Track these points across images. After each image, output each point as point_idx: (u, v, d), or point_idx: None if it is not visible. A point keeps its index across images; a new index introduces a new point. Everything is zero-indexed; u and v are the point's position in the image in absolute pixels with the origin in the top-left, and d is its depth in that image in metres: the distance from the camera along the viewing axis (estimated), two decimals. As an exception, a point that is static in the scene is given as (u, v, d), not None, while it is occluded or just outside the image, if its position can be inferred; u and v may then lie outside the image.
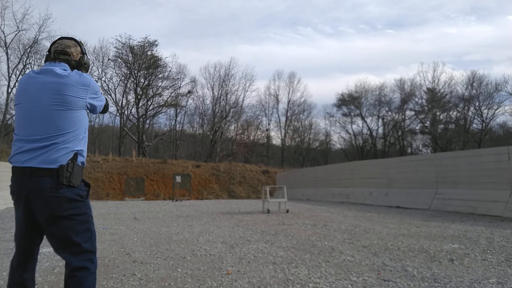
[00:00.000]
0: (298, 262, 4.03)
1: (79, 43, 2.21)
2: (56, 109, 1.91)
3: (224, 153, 40.79)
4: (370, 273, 3.51)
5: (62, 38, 2.19)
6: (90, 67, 2.31)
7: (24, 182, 1.89)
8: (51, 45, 2.16)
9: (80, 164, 1.97)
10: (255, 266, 3.87)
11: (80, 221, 1.94)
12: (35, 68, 31.79)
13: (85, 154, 2.04)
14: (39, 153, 1.88)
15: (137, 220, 8.77)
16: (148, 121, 40.44)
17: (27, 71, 31.56)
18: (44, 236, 2.00)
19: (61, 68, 2.03)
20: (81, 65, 2.17)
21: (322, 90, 70.40)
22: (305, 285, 3.16)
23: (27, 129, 1.93)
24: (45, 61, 2.14)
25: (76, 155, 1.95)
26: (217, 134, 41.03)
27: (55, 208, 1.87)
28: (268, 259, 4.18)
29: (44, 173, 1.86)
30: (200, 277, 3.44)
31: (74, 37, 2.23)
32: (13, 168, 1.94)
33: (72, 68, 2.11)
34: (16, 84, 31.30)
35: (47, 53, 2.16)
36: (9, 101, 30.86)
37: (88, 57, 2.30)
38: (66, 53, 2.11)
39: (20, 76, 31.59)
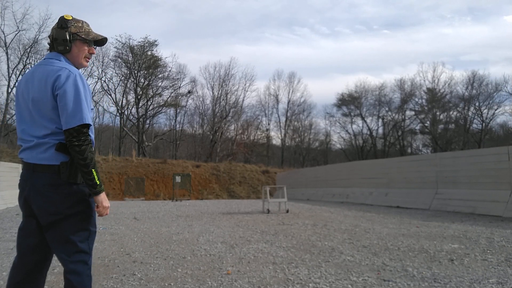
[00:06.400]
0: (298, 262, 4.03)
1: (59, 20, 1.99)
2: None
3: (224, 153, 40.77)
4: (370, 273, 3.51)
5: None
6: (67, 40, 1.95)
7: (28, 178, 1.88)
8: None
9: None
10: (255, 266, 3.87)
11: (79, 219, 1.89)
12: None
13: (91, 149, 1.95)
14: (42, 149, 1.86)
15: (137, 220, 8.77)
16: (148, 121, 40.45)
17: (27, 71, 31.67)
18: None
19: (56, 59, 1.95)
20: (54, 40, 1.97)
21: (321, 90, 70.48)
22: (305, 285, 3.16)
23: (31, 125, 1.91)
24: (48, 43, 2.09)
25: None
26: (217, 134, 41.01)
27: (55, 205, 1.84)
28: (268, 259, 4.18)
29: (45, 169, 1.84)
30: (200, 277, 3.44)
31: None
32: (22, 162, 1.94)
33: (50, 49, 1.99)
34: (16, 84, 31.30)
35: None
36: (9, 101, 30.85)
37: (67, 30, 1.96)
38: (49, 38, 2.00)
39: (20, 76, 31.61)
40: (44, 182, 1.84)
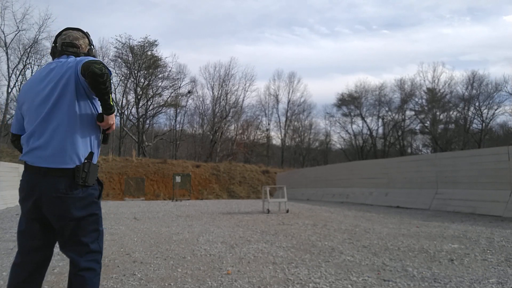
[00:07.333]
0: (298, 262, 4.03)
1: (86, 34, 2.10)
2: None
3: (224, 153, 40.77)
4: (370, 273, 3.51)
5: (68, 28, 2.08)
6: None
7: (38, 182, 1.84)
8: (57, 36, 2.07)
9: (95, 163, 1.93)
10: (255, 266, 3.87)
11: (90, 221, 1.91)
12: (35, 68, 31.81)
13: (98, 152, 1.99)
14: (54, 152, 1.83)
15: (137, 220, 8.77)
16: (148, 121, 40.48)
17: (27, 71, 31.65)
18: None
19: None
20: (93, 61, 2.05)
21: (321, 90, 70.51)
22: (305, 285, 3.16)
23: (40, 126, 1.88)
24: (51, 53, 2.06)
25: (91, 154, 1.91)
26: (217, 134, 41.02)
27: (68, 208, 1.83)
28: (268, 259, 4.18)
29: (59, 173, 1.82)
30: (200, 277, 3.44)
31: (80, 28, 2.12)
32: (26, 165, 1.88)
33: (62, 53, 2.02)
34: (16, 84, 31.30)
35: (53, 44, 2.07)
36: (9, 101, 30.85)
37: (96, 49, 2.18)
38: (75, 45, 2.02)
39: (20, 76, 31.61)
40: (58, 186, 1.82)
